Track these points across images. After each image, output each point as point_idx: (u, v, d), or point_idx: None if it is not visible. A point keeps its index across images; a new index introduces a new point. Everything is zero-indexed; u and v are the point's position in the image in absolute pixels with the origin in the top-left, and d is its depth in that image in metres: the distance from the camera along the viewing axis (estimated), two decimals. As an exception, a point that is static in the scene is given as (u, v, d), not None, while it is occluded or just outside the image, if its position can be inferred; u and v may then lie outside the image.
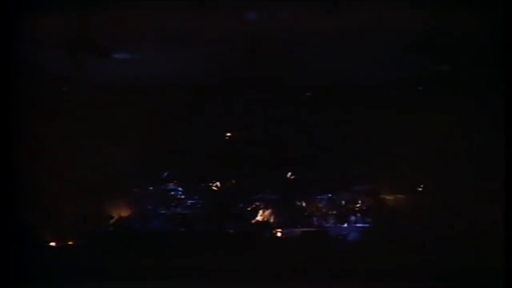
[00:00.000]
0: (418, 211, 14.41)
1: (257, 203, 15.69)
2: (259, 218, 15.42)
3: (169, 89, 15.21)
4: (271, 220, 15.29)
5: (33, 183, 13.65)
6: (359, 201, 15.53)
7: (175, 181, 16.03)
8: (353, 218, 15.41)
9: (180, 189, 16.00)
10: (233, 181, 16.08)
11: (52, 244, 13.94)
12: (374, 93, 15.29)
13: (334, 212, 15.49)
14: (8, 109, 11.32)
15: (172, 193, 15.98)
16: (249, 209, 15.67)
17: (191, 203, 15.91)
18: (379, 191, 15.47)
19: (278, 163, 15.75)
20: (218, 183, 16.09)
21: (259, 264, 12.58)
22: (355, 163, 15.56)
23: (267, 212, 15.55)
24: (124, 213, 15.32)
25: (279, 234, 14.76)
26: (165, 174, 16.13)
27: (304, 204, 15.62)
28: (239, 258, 12.89)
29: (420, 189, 15.00)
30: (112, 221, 14.93)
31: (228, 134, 16.31)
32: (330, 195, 15.70)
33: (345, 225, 15.26)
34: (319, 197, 15.74)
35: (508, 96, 11.26)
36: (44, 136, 13.76)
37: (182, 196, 15.98)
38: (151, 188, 15.97)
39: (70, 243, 14.11)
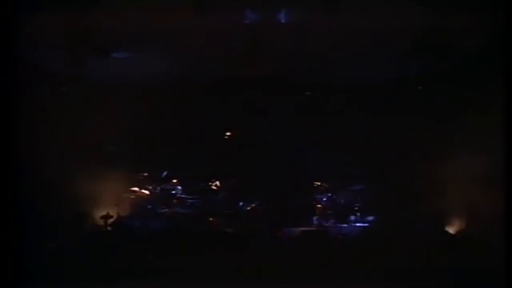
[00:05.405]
0: (418, 211, 14.44)
1: (257, 202, 15.74)
2: (258, 217, 15.44)
3: (168, 88, 15.27)
4: (270, 219, 15.30)
5: (33, 183, 13.65)
6: (359, 201, 15.58)
7: (174, 180, 16.09)
8: (352, 217, 15.45)
9: (179, 187, 16.04)
10: (233, 180, 16.13)
11: (52, 244, 13.95)
12: (374, 93, 15.34)
13: (334, 211, 15.54)
14: (7, 109, 11.31)
15: (172, 192, 16.03)
16: (248, 208, 15.72)
17: (190, 202, 15.94)
18: (378, 190, 15.53)
19: (277, 162, 15.81)
20: (217, 182, 16.14)
21: (258, 264, 12.59)
22: (355, 163, 15.63)
23: (266, 212, 15.59)
24: (124, 212, 15.36)
25: (278, 234, 14.77)
26: (164, 173, 16.17)
27: (303, 204, 15.67)
28: (238, 257, 12.90)
29: (420, 188, 15.03)
30: (111, 220, 14.94)
31: (228, 133, 16.38)
32: (330, 194, 15.76)
33: (344, 224, 15.30)
34: (318, 196, 15.78)
35: (508, 96, 11.26)
36: (43, 136, 13.78)
37: (181, 195, 16.03)
38: (150, 187, 16.04)
39: (70, 243, 14.13)
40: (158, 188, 16.06)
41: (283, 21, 12.88)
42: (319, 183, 15.88)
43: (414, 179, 14.72)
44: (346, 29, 12.77)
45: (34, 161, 13.22)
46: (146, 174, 16.10)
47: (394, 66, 14.33)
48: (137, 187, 15.90)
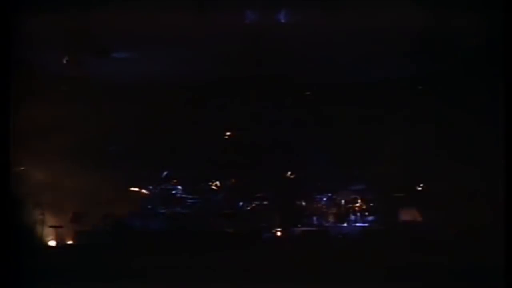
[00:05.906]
0: (418, 211, 14.44)
1: (257, 202, 15.73)
2: (258, 217, 15.43)
3: (168, 88, 15.27)
4: (270, 220, 15.29)
5: (33, 183, 13.65)
6: (358, 201, 15.56)
7: (174, 180, 16.07)
8: (352, 217, 15.44)
9: (179, 187, 16.03)
10: (233, 180, 16.12)
11: (51, 244, 13.97)
12: (373, 92, 15.33)
13: (334, 211, 15.52)
14: (8, 109, 11.33)
15: (173, 192, 16.01)
16: (248, 208, 15.71)
17: (190, 202, 15.93)
18: (377, 191, 15.51)
19: (278, 162, 15.80)
20: (217, 182, 16.13)
21: (258, 264, 12.59)
22: (354, 162, 15.62)
23: (266, 212, 15.58)
24: (123, 212, 15.34)
25: (278, 234, 14.78)
26: (164, 173, 16.15)
27: (304, 204, 15.65)
28: (238, 257, 12.90)
29: (419, 189, 15.04)
30: (111, 220, 14.92)
31: (228, 133, 16.37)
32: (330, 194, 15.74)
33: (344, 224, 15.29)
34: (318, 196, 15.77)
35: (508, 95, 11.28)
36: (43, 137, 13.79)
37: (181, 195, 16.01)
38: (150, 187, 16.03)
39: (70, 243, 14.15)
40: (158, 188, 16.04)
41: (283, 20, 12.91)
42: (319, 183, 15.87)
43: (413, 179, 14.73)
44: (346, 29, 12.79)
45: (33, 161, 13.24)
46: (146, 174, 16.07)
47: (394, 66, 14.34)
48: (137, 187, 15.89)
